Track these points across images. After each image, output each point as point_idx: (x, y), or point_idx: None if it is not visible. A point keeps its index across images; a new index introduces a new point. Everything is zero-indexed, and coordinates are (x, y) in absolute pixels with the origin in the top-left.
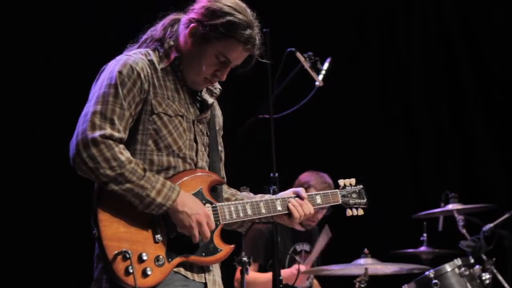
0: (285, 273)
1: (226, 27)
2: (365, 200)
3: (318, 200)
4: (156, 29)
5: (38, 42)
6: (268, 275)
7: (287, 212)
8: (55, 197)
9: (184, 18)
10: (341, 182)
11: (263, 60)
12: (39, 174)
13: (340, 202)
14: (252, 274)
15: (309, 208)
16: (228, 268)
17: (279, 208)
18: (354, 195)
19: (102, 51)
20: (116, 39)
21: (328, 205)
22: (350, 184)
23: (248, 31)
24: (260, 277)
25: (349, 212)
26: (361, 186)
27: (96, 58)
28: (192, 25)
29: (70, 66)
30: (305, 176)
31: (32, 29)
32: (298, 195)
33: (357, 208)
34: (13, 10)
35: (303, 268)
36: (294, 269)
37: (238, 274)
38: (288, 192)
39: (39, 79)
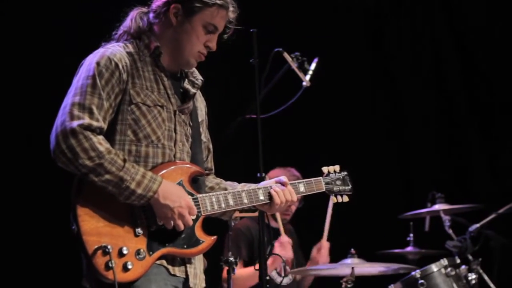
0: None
1: None
2: (349, 187)
3: (301, 188)
4: (128, 24)
5: (23, 41)
6: (250, 269)
7: (269, 201)
8: (43, 193)
9: (153, 6)
10: (324, 169)
11: (240, 27)
12: (25, 172)
13: (324, 190)
14: (236, 271)
15: (291, 195)
16: (215, 267)
17: (261, 197)
18: (338, 182)
19: (85, 47)
20: (98, 35)
21: (312, 192)
22: (334, 171)
23: None
24: (243, 272)
25: (333, 199)
26: (346, 173)
27: (80, 53)
28: (173, 5)
29: (54, 62)
30: (273, 173)
31: (14, 27)
32: (280, 183)
33: (342, 195)
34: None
35: (285, 239)
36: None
37: (225, 274)
38: (271, 182)
39: (23, 75)
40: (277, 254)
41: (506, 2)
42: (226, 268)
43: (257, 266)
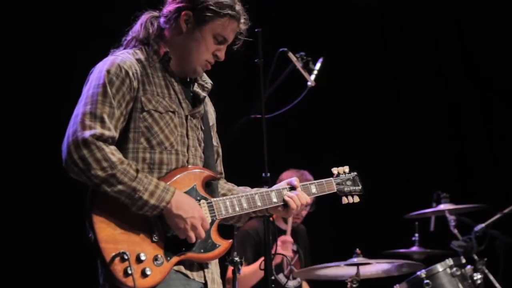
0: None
1: (218, 5)
2: (360, 187)
3: (313, 189)
4: (137, 30)
5: (31, 44)
6: (254, 266)
7: (282, 203)
8: (59, 201)
9: (164, 11)
10: (334, 170)
11: (249, 39)
12: (38, 178)
13: (335, 190)
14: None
15: (305, 198)
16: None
17: (274, 200)
18: (348, 183)
19: (95, 53)
20: (107, 42)
21: (324, 193)
22: (344, 172)
23: (237, 7)
24: (246, 270)
25: (344, 200)
26: (355, 173)
27: (90, 59)
28: (184, 12)
29: (64, 67)
30: (286, 174)
31: (23, 29)
32: (291, 186)
33: (352, 196)
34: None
35: (288, 238)
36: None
37: (229, 274)
38: (283, 184)
39: (33, 81)
40: (282, 254)
41: (508, 2)
42: (231, 268)
43: (262, 266)
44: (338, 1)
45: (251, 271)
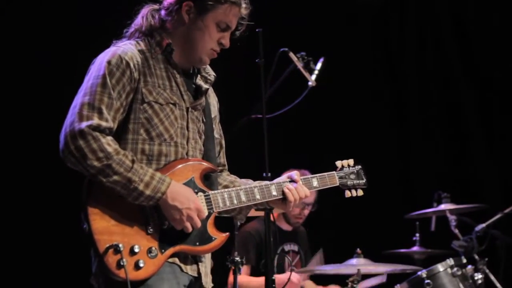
0: (278, 279)
1: None
2: (364, 181)
3: (315, 183)
4: (139, 22)
5: (30, 38)
6: (261, 279)
7: (282, 197)
8: (51, 191)
9: (164, 3)
10: (338, 163)
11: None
12: (38, 177)
13: (338, 184)
14: (245, 278)
15: (304, 191)
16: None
17: (274, 193)
18: (352, 176)
19: (94, 46)
20: (108, 34)
21: (326, 187)
22: (348, 165)
23: None
24: (252, 281)
25: (347, 194)
26: (360, 167)
27: (89, 53)
28: (185, 3)
29: (64, 67)
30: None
31: (22, 25)
32: (292, 179)
33: (356, 189)
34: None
35: (295, 277)
36: (287, 275)
37: (231, 277)
38: (283, 177)
39: (33, 81)
40: None
41: (508, 2)
42: (232, 268)
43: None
44: (338, 1)
45: (255, 285)
